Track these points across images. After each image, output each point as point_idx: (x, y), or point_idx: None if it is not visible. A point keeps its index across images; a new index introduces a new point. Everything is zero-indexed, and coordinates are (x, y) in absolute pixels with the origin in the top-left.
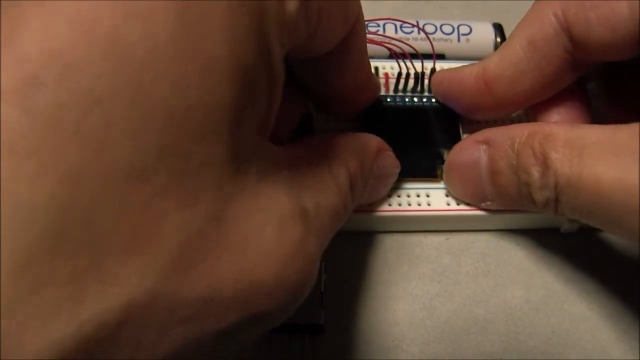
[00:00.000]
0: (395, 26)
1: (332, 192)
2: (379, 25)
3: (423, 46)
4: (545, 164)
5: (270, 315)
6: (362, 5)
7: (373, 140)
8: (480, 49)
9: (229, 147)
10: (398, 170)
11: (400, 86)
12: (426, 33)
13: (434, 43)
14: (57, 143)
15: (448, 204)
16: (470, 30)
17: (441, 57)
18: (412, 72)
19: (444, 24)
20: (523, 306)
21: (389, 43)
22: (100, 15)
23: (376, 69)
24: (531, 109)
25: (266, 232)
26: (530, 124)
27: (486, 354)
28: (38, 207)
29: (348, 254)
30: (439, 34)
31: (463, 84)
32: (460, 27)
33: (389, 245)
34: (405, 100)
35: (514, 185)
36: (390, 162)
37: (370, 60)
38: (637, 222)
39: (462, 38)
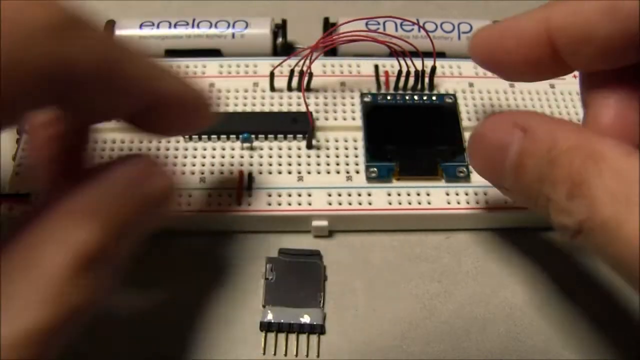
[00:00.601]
0: (396, 24)
1: (21, 314)
2: (379, 23)
3: (423, 44)
4: (580, 188)
5: None
6: (362, 6)
7: (132, 170)
8: None
9: None
10: (172, 191)
11: (401, 84)
12: (426, 31)
13: (434, 41)
14: None
15: (448, 203)
16: (471, 28)
17: (441, 55)
18: (412, 70)
19: (445, 22)
20: (523, 306)
21: (389, 41)
22: None
23: (376, 67)
24: (591, 83)
25: None
26: (582, 130)
27: (486, 354)
28: None
29: (347, 253)
30: (439, 32)
31: (520, 33)
32: (461, 25)
33: (389, 245)
34: (405, 99)
35: (535, 190)
36: (160, 184)
37: (371, 58)
38: None
39: (463, 36)
